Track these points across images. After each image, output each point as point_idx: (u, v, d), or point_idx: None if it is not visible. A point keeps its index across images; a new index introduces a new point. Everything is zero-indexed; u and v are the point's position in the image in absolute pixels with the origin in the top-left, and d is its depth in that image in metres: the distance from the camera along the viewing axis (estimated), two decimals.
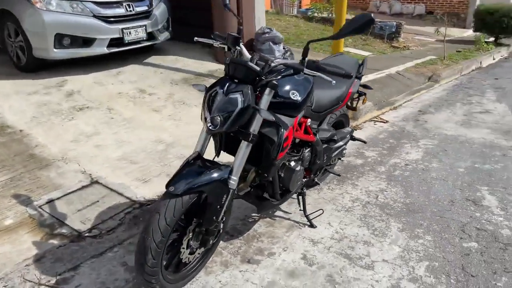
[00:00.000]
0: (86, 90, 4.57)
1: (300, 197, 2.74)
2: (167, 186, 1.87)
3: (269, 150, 2.10)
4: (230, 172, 1.99)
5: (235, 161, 2.02)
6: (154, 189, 3.05)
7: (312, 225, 2.69)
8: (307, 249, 2.47)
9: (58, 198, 2.89)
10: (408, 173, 3.50)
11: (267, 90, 1.99)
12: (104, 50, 4.76)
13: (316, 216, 2.71)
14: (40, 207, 2.78)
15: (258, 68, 1.94)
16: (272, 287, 2.16)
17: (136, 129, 3.92)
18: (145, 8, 5.08)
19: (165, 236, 1.82)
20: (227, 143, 2.26)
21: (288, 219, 2.78)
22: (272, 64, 2.02)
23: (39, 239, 2.49)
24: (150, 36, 5.22)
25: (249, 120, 1.97)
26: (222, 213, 2.03)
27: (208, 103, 1.97)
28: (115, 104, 4.36)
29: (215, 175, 1.93)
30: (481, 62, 9.02)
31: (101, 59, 5.05)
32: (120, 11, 4.79)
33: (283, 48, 5.77)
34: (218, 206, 1.99)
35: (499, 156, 3.89)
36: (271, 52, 5.56)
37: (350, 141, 3.16)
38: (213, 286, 2.17)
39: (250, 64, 1.95)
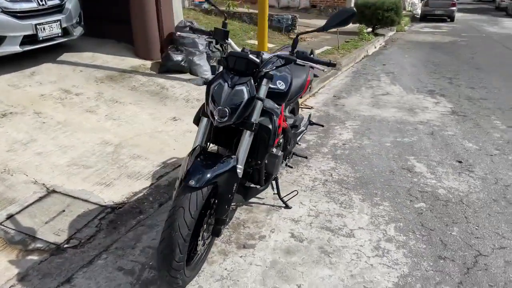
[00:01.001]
0: (3, 94, 4.11)
1: (274, 182, 2.92)
2: (185, 180, 1.89)
3: (265, 138, 2.23)
4: (236, 162, 2.08)
5: (239, 151, 2.11)
6: (119, 192, 2.97)
7: (287, 206, 2.89)
8: (292, 227, 2.67)
9: (18, 213, 2.65)
10: (348, 151, 3.90)
11: (264, 80, 2.12)
12: (17, 48, 4.31)
13: (291, 198, 2.92)
14: (1, 223, 2.52)
15: (258, 60, 2.07)
16: (276, 266, 2.32)
17: (76, 132, 3.69)
18: (57, 1, 4.70)
19: (191, 229, 1.86)
20: (216, 136, 2.32)
21: (264, 204, 2.94)
22: (267, 56, 2.15)
23: (15, 258, 2.29)
24: (65, 31, 4.86)
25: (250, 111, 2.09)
26: (232, 202, 2.12)
27: (213, 97, 2.03)
28: (42, 107, 4.01)
29: (225, 166, 2.00)
30: (367, 51, 10.11)
31: (9, 59, 4.55)
32: (32, 5, 4.37)
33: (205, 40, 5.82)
34: (230, 195, 2.08)
35: (412, 130, 4.54)
36: (195, 45, 5.58)
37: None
38: (221, 274, 2.25)
39: (251, 56, 2.06)
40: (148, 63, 5.60)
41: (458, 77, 7.23)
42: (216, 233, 2.16)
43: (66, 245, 2.44)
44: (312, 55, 3.28)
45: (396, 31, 14.66)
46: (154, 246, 2.46)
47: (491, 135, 4.40)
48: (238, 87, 2.01)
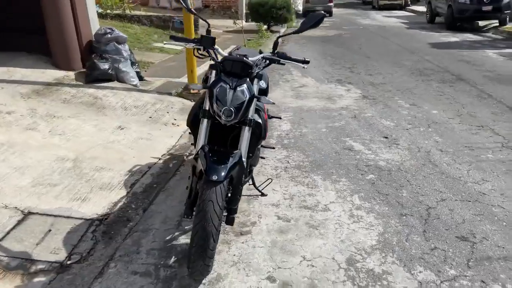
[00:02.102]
0: None
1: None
2: (208, 176, 2.07)
3: (257, 132, 2.50)
4: (241, 155, 2.32)
5: (241, 145, 2.35)
6: (98, 204, 2.98)
7: (263, 194, 3.19)
8: (275, 211, 2.99)
9: (1, 239, 2.54)
10: (293, 140, 4.33)
11: (256, 80, 2.39)
12: None
13: (266, 185, 3.22)
14: None
15: (251, 63, 2.33)
16: (276, 244, 2.61)
17: (25, 152, 3.52)
18: None
19: (220, 219, 2.07)
20: (211, 136, 2.51)
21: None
22: (254, 58, 2.42)
23: (21, 283, 2.25)
24: None
25: None
26: (241, 192, 2.36)
27: (217, 99, 2.23)
28: None
29: (235, 159, 2.23)
30: (269, 47, 10.75)
31: None
32: None
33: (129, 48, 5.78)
34: (240, 186, 2.32)
35: (338, 115, 5.15)
36: (118, 52, 5.52)
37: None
38: (232, 260, 2.47)
39: (246, 60, 2.31)
40: (71, 74, 5.39)
41: (356, 66, 8.17)
42: (230, 222, 2.37)
43: (69, 262, 2.43)
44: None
45: (287, 27, 15.65)
46: (158, 248, 2.57)
47: (400, 113, 5.20)
48: (239, 88, 2.25)
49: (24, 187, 3.05)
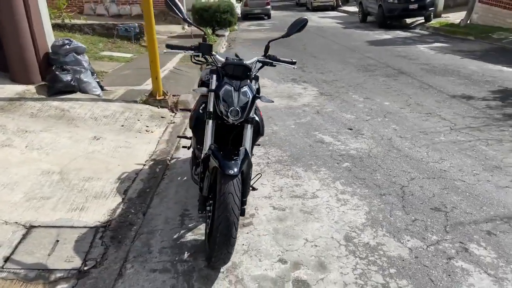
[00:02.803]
0: None
1: None
2: (224, 170, 2.25)
3: (255, 130, 2.72)
4: (247, 151, 2.53)
5: (245, 142, 2.55)
6: (98, 212, 3.05)
7: (254, 188, 3.39)
8: (269, 202, 3.23)
9: (12, 254, 2.56)
10: (267, 137, 4.58)
11: (254, 81, 2.62)
12: None
13: (256, 180, 3.44)
14: (2, 267, 2.43)
15: (250, 66, 2.55)
16: (279, 231, 2.85)
17: (8, 169, 3.47)
18: None
19: (240, 209, 2.27)
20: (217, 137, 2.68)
21: None
22: (250, 62, 2.65)
23: None
24: None
25: None
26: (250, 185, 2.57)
27: (224, 100, 2.42)
28: None
29: (243, 155, 2.44)
30: (219, 51, 10.96)
31: None
32: None
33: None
34: (249, 179, 2.53)
35: (302, 112, 5.49)
36: (78, 63, 5.48)
37: None
38: (242, 248, 2.68)
39: (246, 63, 2.53)
40: (32, 88, 5.27)
41: (306, 66, 8.61)
42: (242, 212, 2.56)
43: (85, 268, 2.50)
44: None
45: (230, 31, 15.93)
46: (168, 246, 2.71)
47: (357, 106, 5.65)
48: (243, 89, 2.46)
49: (18, 203, 3.04)
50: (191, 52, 2.69)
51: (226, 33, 14.93)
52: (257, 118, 2.71)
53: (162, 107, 5.66)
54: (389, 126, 4.81)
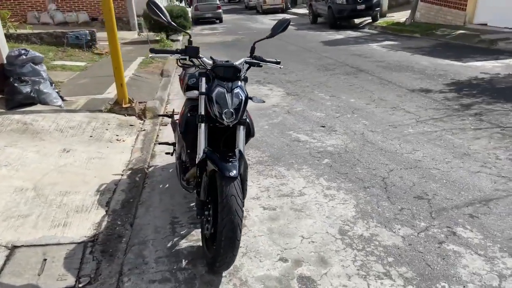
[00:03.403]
0: None
1: None
2: (224, 173, 2.23)
3: (247, 131, 2.72)
4: (242, 152, 2.52)
5: (239, 143, 2.52)
6: (82, 227, 2.92)
7: None
8: (259, 203, 3.23)
9: None
10: None
11: (243, 82, 2.62)
12: None
13: None
14: None
15: (240, 67, 2.55)
16: (274, 230, 2.86)
17: None
18: None
19: (243, 211, 2.26)
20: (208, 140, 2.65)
21: None
22: (238, 62, 2.64)
23: None
24: None
25: None
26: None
27: (217, 103, 2.40)
28: None
29: (240, 156, 2.43)
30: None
31: None
32: None
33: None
34: (246, 180, 2.52)
35: (273, 113, 5.54)
36: (37, 73, 5.22)
37: None
38: (240, 251, 2.65)
39: (236, 64, 2.52)
40: None
41: (268, 67, 8.68)
42: None
43: (80, 285, 2.40)
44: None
45: (183, 36, 15.74)
46: (164, 255, 2.65)
47: (325, 104, 5.78)
48: (235, 91, 2.45)
49: None
50: (177, 56, 2.64)
51: (180, 38, 14.75)
52: (247, 120, 2.71)
53: (129, 115, 5.51)
54: (359, 121, 4.96)
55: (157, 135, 4.90)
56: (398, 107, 5.42)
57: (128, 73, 7.95)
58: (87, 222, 2.98)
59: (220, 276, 2.43)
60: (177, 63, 2.75)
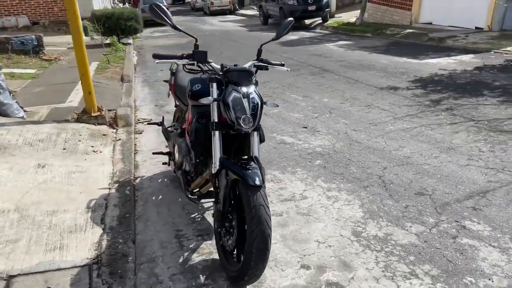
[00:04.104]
0: None
1: None
2: (249, 182, 2.13)
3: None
4: (259, 159, 2.44)
5: (254, 150, 2.43)
6: (82, 248, 2.70)
7: None
8: None
9: None
10: None
11: (254, 86, 2.53)
12: None
13: None
14: None
15: (253, 71, 2.46)
16: (287, 236, 2.78)
17: None
18: None
19: (271, 219, 2.17)
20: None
21: None
22: (247, 65, 2.55)
23: None
24: None
25: None
26: None
27: (234, 109, 2.29)
28: None
29: (258, 164, 2.34)
30: (133, 60, 10.44)
31: None
32: None
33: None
34: (265, 187, 2.43)
35: None
36: None
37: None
38: None
39: (250, 69, 2.43)
40: None
41: None
42: None
43: None
44: None
45: (133, 38, 15.25)
46: (178, 272, 2.50)
47: (300, 105, 5.79)
48: (251, 96, 2.36)
49: None
50: (185, 61, 2.51)
51: (130, 41, 14.27)
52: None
53: (99, 124, 5.20)
54: (339, 121, 5.01)
55: (135, 144, 4.67)
56: (372, 105, 5.54)
57: None
58: (85, 243, 2.75)
59: None
60: (183, 68, 2.59)
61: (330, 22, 16.26)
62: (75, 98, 6.29)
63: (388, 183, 3.41)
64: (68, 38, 14.21)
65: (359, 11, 15.54)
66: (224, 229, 2.37)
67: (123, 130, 5.08)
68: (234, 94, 2.32)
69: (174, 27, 2.50)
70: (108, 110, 5.57)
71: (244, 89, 2.35)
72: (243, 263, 2.17)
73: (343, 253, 2.58)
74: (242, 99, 2.32)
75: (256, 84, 2.52)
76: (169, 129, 3.52)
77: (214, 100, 2.35)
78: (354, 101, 5.81)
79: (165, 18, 2.45)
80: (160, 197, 3.45)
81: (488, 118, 4.75)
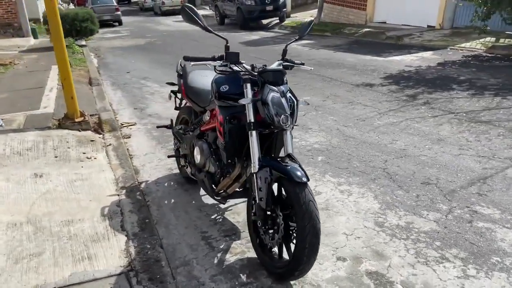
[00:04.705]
0: None
1: None
2: (297, 179, 2.19)
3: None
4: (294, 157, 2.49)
5: (288, 148, 2.49)
6: (110, 256, 2.64)
7: None
8: None
9: None
10: None
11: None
12: None
13: None
14: None
15: (285, 71, 2.51)
16: None
17: None
18: None
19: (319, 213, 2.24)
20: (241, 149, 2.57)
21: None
22: (275, 65, 2.60)
23: None
24: None
25: None
26: None
27: (274, 108, 2.33)
28: None
29: (295, 161, 2.40)
30: (94, 62, 10.07)
31: None
32: None
33: None
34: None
35: None
36: None
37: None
38: None
39: (282, 69, 2.48)
40: None
41: None
42: None
43: None
44: None
45: (86, 40, 14.67)
46: (217, 273, 2.50)
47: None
48: (288, 95, 2.41)
49: (8, 268, 2.42)
50: (218, 62, 2.51)
51: (84, 43, 13.73)
52: None
53: (83, 129, 5.02)
54: (327, 118, 5.16)
55: (127, 149, 4.55)
56: (354, 102, 5.75)
57: (52, 84, 7.24)
58: (112, 251, 2.68)
59: (289, 285, 2.37)
60: (215, 70, 2.58)
61: (288, 22, 16.55)
62: (49, 103, 6.01)
63: (393, 175, 3.58)
64: (16, 41, 13.52)
65: (315, 10, 15.94)
66: (266, 227, 2.39)
67: (110, 135, 4.93)
68: (272, 93, 2.36)
69: (206, 29, 2.49)
70: (90, 115, 5.38)
71: (281, 89, 2.39)
72: (294, 258, 2.22)
73: (373, 243, 2.69)
74: (281, 98, 2.36)
75: (287, 82, 2.57)
76: (180, 131, 3.48)
77: (253, 100, 2.38)
78: (336, 98, 5.99)
79: (198, 20, 2.45)
80: (173, 200, 3.41)
81: (465, 110, 5.10)
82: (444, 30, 11.27)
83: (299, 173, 2.22)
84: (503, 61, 7.85)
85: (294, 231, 2.28)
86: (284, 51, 2.68)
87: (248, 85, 2.45)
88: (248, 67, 2.55)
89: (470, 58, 8.26)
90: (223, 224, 3.02)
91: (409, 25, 12.28)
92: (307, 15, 18.26)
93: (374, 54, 9.27)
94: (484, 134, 4.33)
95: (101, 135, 4.94)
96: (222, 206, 3.26)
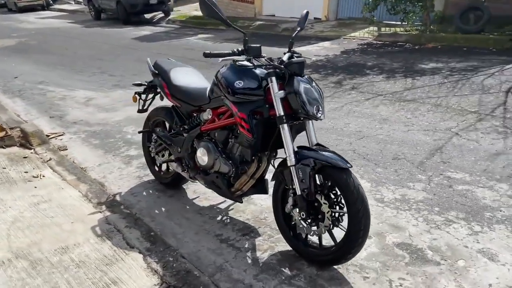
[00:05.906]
0: None
1: None
2: (342, 165, 2.25)
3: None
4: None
5: (313, 138, 2.53)
6: (135, 276, 2.40)
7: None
8: None
9: None
10: None
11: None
12: None
13: None
14: None
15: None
16: None
17: None
18: None
19: None
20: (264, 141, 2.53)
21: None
22: (286, 57, 2.59)
23: None
24: None
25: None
26: None
27: (307, 98, 2.34)
28: None
29: (327, 149, 2.46)
30: None
31: None
32: None
33: None
34: None
35: None
36: None
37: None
38: None
39: (305, 60, 2.49)
40: None
41: (109, 70, 7.96)
42: None
43: None
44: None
45: None
46: (259, 272, 2.44)
47: None
48: (314, 85, 2.44)
49: None
50: (241, 57, 2.42)
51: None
52: None
53: (7, 146, 4.34)
54: None
55: (73, 161, 4.07)
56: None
57: None
58: (135, 271, 2.42)
59: (334, 269, 2.44)
60: (235, 64, 2.47)
61: (175, 15, 16.19)
62: None
63: (365, 155, 3.86)
64: None
65: (197, 4, 15.85)
66: (310, 217, 2.40)
67: (43, 149, 4.33)
68: (303, 84, 2.36)
69: (226, 22, 2.38)
70: (10, 129, 4.64)
71: (307, 80, 2.41)
72: (347, 242, 2.28)
73: (385, 218, 2.89)
74: (312, 89, 2.38)
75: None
76: (167, 134, 3.24)
77: (286, 93, 2.35)
78: None
79: (218, 12, 2.33)
80: (163, 209, 3.18)
81: (390, 92, 5.68)
82: (330, 21, 12.24)
83: (340, 160, 2.27)
84: (393, 47, 8.88)
85: (341, 216, 2.34)
86: (291, 43, 2.68)
87: (274, 79, 2.41)
88: (273, 61, 2.50)
89: (365, 46, 9.15)
90: (234, 224, 2.93)
91: (297, 18, 12.97)
92: (191, 9, 18.11)
93: (279, 45, 9.62)
94: (417, 111, 4.90)
95: (31, 150, 4.30)
96: (222, 206, 3.15)
